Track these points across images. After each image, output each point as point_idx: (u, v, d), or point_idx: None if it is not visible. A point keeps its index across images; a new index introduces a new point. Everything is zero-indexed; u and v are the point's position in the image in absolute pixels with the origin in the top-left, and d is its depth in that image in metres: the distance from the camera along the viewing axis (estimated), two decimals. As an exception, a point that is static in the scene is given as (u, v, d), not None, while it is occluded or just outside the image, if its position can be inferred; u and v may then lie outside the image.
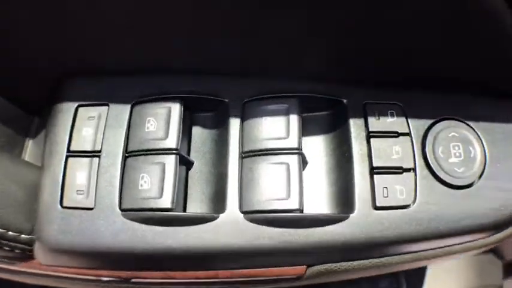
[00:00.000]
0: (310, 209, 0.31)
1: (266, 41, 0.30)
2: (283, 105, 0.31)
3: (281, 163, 0.29)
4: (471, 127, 0.32)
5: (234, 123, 0.31)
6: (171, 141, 0.30)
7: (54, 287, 0.36)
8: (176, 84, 0.32)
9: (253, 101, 0.31)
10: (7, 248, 0.29)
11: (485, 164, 0.31)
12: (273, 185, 0.29)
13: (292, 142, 0.30)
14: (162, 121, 0.30)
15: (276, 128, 0.30)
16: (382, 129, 0.31)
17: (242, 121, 0.31)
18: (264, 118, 0.31)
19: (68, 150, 0.30)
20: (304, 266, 0.31)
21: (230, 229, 0.29)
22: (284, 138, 0.30)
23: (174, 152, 0.29)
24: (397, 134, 0.31)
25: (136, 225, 0.29)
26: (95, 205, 0.29)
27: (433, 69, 0.32)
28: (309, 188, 0.31)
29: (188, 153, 0.33)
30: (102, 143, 0.30)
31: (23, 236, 0.29)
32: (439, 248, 0.32)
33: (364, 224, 0.29)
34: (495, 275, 0.62)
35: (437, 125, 0.32)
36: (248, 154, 0.30)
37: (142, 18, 0.28)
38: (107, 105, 0.31)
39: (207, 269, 0.31)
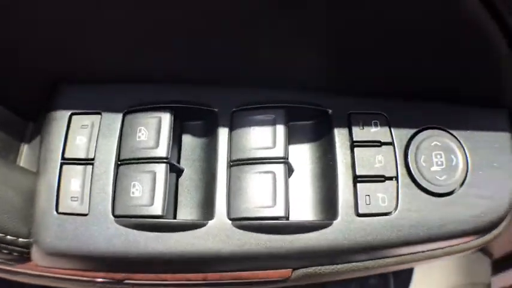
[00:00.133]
0: (295, 216, 0.32)
1: (255, 51, 0.31)
2: (270, 115, 0.32)
3: (268, 172, 0.31)
4: (454, 136, 0.33)
5: (223, 133, 0.32)
6: (162, 151, 0.31)
7: (50, 287, 0.38)
8: (167, 94, 0.32)
9: (242, 110, 0.32)
10: (5, 251, 0.30)
11: (467, 171, 0.32)
12: (260, 193, 0.30)
13: (278, 152, 0.31)
14: (153, 130, 0.31)
15: (263, 137, 0.31)
16: (366, 138, 0.32)
17: (230, 130, 0.32)
18: (251, 128, 0.32)
19: (63, 158, 0.31)
20: (290, 269, 0.32)
21: (219, 235, 0.30)
22: (271, 147, 0.31)
23: (164, 160, 0.31)
24: (380, 144, 0.32)
25: (129, 231, 0.30)
26: (89, 211, 0.30)
27: (417, 79, 0.32)
28: (294, 195, 0.33)
29: (178, 161, 0.34)
30: (95, 151, 0.31)
31: (20, 239, 0.31)
32: (420, 252, 0.33)
33: (347, 230, 0.30)
34: (484, 272, 0.63)
35: (420, 134, 0.33)
36: (236, 163, 0.31)
37: (135, 29, 0.29)
38: (100, 113, 0.32)
39: (197, 272, 0.32)
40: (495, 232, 0.34)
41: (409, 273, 0.57)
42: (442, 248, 0.33)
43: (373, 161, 0.31)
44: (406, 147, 0.32)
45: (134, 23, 0.28)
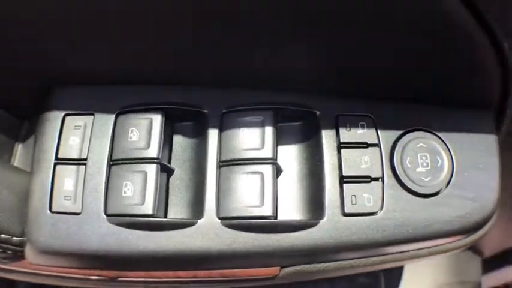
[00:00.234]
0: (283, 215, 0.33)
1: (245, 54, 0.31)
2: (259, 117, 0.32)
3: (256, 172, 0.31)
4: (439, 137, 0.34)
5: (213, 134, 0.33)
6: (153, 151, 0.31)
7: (44, 284, 0.38)
8: (158, 95, 0.33)
9: (231, 112, 0.33)
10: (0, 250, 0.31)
11: (452, 173, 0.33)
12: (248, 193, 0.31)
13: (266, 153, 0.32)
14: (144, 131, 0.32)
15: (252, 138, 0.32)
16: (353, 140, 0.32)
17: (220, 131, 0.33)
18: (241, 129, 0.32)
19: (56, 158, 0.32)
20: (278, 267, 0.33)
21: (208, 234, 0.31)
22: (259, 149, 0.32)
23: (155, 161, 0.31)
24: (366, 145, 0.33)
25: (121, 229, 0.31)
26: (81, 210, 0.31)
27: (403, 81, 0.33)
28: (282, 195, 0.33)
29: (169, 161, 0.34)
30: (88, 151, 0.32)
31: (14, 238, 0.31)
32: (406, 251, 0.34)
33: (333, 229, 0.31)
34: (474, 271, 0.64)
35: (406, 136, 0.33)
36: (225, 163, 0.32)
37: (126, 31, 0.29)
38: (93, 114, 0.33)
39: (187, 270, 0.33)
40: (481, 233, 0.34)
41: (399, 271, 0.57)
42: (427, 248, 0.34)
43: (359, 162, 0.32)
44: (392, 148, 0.33)
45: (125, 25, 0.29)
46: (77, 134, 0.32)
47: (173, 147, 0.35)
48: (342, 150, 0.32)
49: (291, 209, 0.33)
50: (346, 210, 0.31)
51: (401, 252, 0.33)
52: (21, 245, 0.32)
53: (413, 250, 0.34)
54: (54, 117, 0.33)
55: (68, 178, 0.32)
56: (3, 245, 0.31)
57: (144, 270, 0.33)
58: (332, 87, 0.34)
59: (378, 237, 0.31)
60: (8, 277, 0.37)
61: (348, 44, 0.30)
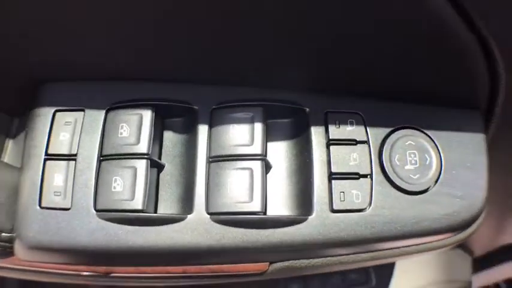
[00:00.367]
0: (272, 211, 0.33)
1: (235, 51, 0.31)
2: (248, 113, 0.33)
3: (246, 168, 0.31)
4: (428, 135, 0.34)
5: (203, 130, 0.33)
6: (143, 147, 0.31)
7: (34, 281, 0.38)
8: (149, 91, 0.33)
9: (221, 108, 0.33)
10: (-12, 246, 0.31)
11: (440, 171, 0.33)
12: (238, 189, 0.31)
13: (256, 149, 0.32)
14: (134, 127, 0.32)
15: (241, 135, 0.32)
16: (342, 137, 0.33)
17: (210, 128, 0.33)
18: (230, 125, 0.32)
19: (46, 154, 0.32)
20: (267, 263, 0.33)
21: (197, 229, 0.31)
22: (249, 145, 0.32)
23: (145, 156, 0.31)
24: (355, 142, 0.33)
25: (110, 225, 0.31)
26: (71, 206, 0.31)
27: (392, 79, 0.33)
28: (271, 191, 0.34)
29: (160, 156, 0.34)
30: (78, 147, 0.32)
31: (3, 234, 0.31)
32: (394, 248, 0.34)
33: (321, 225, 0.31)
34: (464, 270, 0.65)
35: (395, 133, 0.34)
36: (215, 159, 0.32)
37: (116, 28, 0.29)
38: (83, 110, 0.33)
39: (176, 265, 0.33)
40: (469, 231, 0.35)
41: (390, 268, 0.58)
42: (416, 245, 0.34)
43: (348, 158, 0.32)
44: (380, 146, 0.33)
45: (116, 21, 0.29)
46: (67, 130, 0.32)
47: (163, 143, 0.35)
48: (331, 147, 0.33)
49: (280, 205, 0.34)
50: (335, 207, 0.31)
51: (389, 249, 0.34)
52: (11, 241, 0.32)
53: (401, 247, 0.34)
54: (45, 113, 0.33)
55: (57, 174, 0.32)
56: (-9, 240, 0.31)
57: (134, 265, 0.33)
58: (321, 84, 0.34)
59: (367, 234, 0.31)
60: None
61: (337, 43, 0.30)
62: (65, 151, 0.32)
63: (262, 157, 0.32)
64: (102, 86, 0.33)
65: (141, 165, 0.31)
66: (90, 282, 0.37)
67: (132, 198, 0.31)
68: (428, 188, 0.33)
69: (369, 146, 0.33)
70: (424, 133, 0.34)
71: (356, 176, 0.32)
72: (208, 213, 0.31)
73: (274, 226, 0.31)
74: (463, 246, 0.64)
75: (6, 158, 0.37)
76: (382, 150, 0.33)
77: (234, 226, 0.31)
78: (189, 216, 0.31)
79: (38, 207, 0.31)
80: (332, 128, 0.33)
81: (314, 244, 0.31)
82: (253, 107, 0.33)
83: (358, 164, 0.32)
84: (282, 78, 0.33)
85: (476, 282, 0.68)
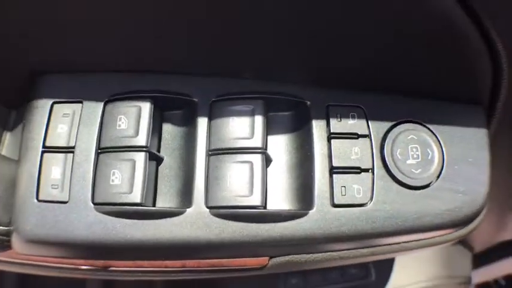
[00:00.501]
0: (272, 205, 0.33)
1: (236, 44, 0.31)
2: (249, 106, 0.32)
3: (246, 162, 0.31)
4: (430, 130, 0.33)
5: (202, 122, 0.32)
6: (141, 139, 0.31)
7: (32, 275, 0.38)
8: (147, 84, 0.33)
9: (221, 101, 0.33)
10: (-14, 239, 0.31)
11: (442, 165, 0.33)
12: (237, 182, 0.31)
13: (256, 142, 0.31)
14: (133, 119, 0.31)
15: (241, 128, 0.32)
16: (343, 130, 0.32)
17: (210, 120, 0.32)
18: (230, 118, 0.32)
19: (44, 146, 0.32)
20: (267, 258, 0.33)
21: (196, 223, 0.30)
22: (249, 138, 0.31)
23: (144, 149, 0.31)
24: (357, 136, 0.32)
25: (108, 218, 0.30)
26: (69, 199, 0.31)
27: (394, 73, 0.33)
28: (272, 185, 0.33)
29: (158, 149, 0.34)
30: (76, 139, 0.32)
31: (0, 227, 0.31)
32: (395, 244, 0.34)
33: (322, 220, 0.31)
34: (464, 266, 0.65)
35: (397, 127, 0.33)
36: (214, 152, 0.32)
37: (114, 19, 0.29)
38: (81, 102, 0.32)
39: (175, 259, 0.33)
40: (470, 226, 0.34)
41: (390, 263, 0.58)
42: (417, 241, 0.34)
43: (349, 152, 0.32)
44: (382, 140, 0.33)
45: (114, 13, 0.28)
46: (65, 122, 0.32)
47: (162, 135, 0.34)
48: (332, 141, 0.32)
49: (280, 199, 0.33)
50: (336, 201, 0.31)
51: (390, 244, 0.34)
52: (8, 234, 0.31)
53: (402, 242, 0.34)
54: (43, 105, 0.33)
55: (55, 166, 0.31)
56: (-11, 234, 0.31)
57: (132, 259, 0.33)
58: (322, 81, 0.33)
59: (368, 229, 0.31)
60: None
61: (337, 43, 0.30)
62: (62, 143, 0.32)
63: (263, 150, 0.31)
64: (101, 78, 0.33)
65: (140, 157, 0.31)
66: (88, 276, 0.37)
67: (131, 192, 0.30)
68: (430, 183, 0.32)
69: (371, 140, 0.33)
70: (427, 127, 0.34)
71: (357, 170, 0.32)
72: (208, 207, 0.31)
73: (275, 220, 0.31)
74: (463, 242, 0.64)
75: (4, 151, 0.37)
76: (384, 145, 0.33)
77: (233, 220, 0.30)
78: (188, 210, 0.31)
79: (36, 200, 0.31)
80: (333, 122, 0.33)
81: (315, 239, 0.31)
82: (254, 100, 0.32)
83: (360, 158, 0.32)
84: (281, 77, 0.33)
85: (476, 278, 0.68)
